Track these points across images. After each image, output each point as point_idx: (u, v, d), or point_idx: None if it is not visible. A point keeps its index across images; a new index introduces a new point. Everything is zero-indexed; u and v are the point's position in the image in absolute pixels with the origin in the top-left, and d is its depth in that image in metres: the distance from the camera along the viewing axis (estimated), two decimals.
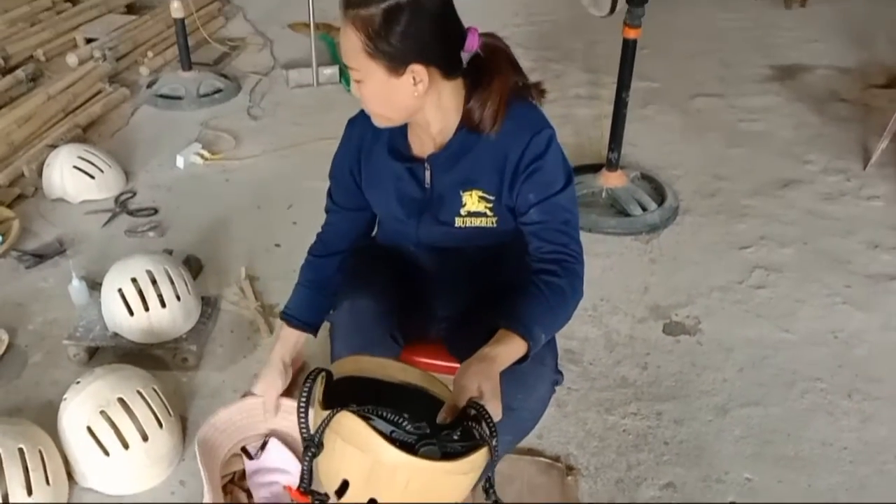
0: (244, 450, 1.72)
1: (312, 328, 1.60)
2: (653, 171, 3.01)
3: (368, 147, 1.45)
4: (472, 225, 1.41)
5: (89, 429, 1.65)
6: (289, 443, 1.70)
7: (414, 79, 1.25)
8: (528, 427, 1.44)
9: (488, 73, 1.33)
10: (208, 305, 2.22)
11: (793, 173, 3.08)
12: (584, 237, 2.68)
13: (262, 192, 2.91)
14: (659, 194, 2.84)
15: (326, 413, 1.04)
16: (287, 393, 1.67)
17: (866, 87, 3.85)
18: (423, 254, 1.52)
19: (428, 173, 1.40)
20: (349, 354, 1.38)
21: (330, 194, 1.56)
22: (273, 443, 1.69)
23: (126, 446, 1.67)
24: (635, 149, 3.19)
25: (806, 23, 4.80)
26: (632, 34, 2.50)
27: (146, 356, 2.05)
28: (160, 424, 1.73)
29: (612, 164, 2.77)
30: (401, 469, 0.99)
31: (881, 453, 1.86)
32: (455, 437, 1.10)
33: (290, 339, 1.61)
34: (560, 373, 1.43)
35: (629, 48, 2.53)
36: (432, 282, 1.55)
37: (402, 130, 1.41)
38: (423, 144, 1.40)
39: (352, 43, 1.24)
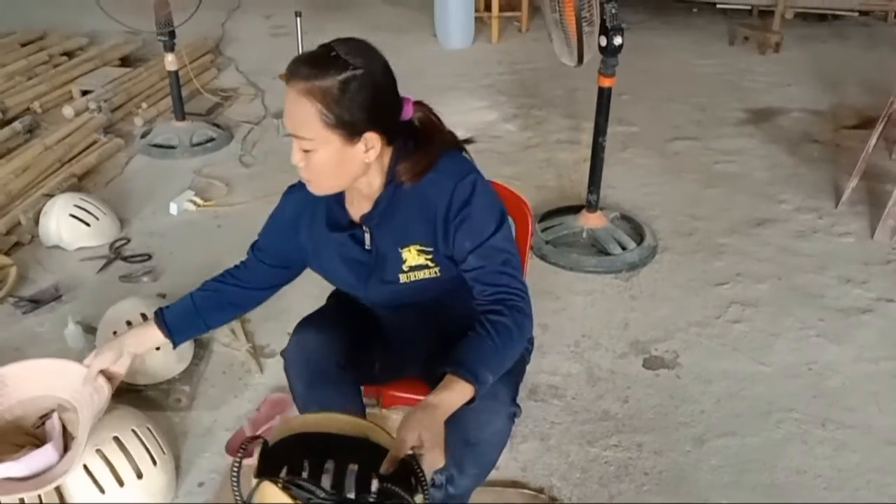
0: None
1: (173, 339, 1.60)
2: (632, 212, 3.11)
3: (308, 223, 1.50)
4: (417, 279, 1.44)
5: (85, 467, 1.70)
6: (68, 421, 1.72)
7: (366, 145, 1.31)
8: (490, 459, 1.48)
9: (423, 138, 1.40)
10: (201, 347, 2.28)
11: (767, 212, 3.19)
12: (567, 276, 2.78)
13: (252, 236, 2.94)
14: (638, 234, 2.93)
15: (256, 481, 1.12)
16: None
17: (838, 129, 4.00)
18: (379, 310, 1.59)
19: (368, 236, 1.45)
20: (301, 386, 1.49)
21: (255, 246, 1.64)
22: (51, 424, 1.72)
23: (121, 483, 1.72)
24: (615, 190, 3.31)
25: (779, 68, 4.98)
26: (606, 82, 2.62)
27: (141, 397, 2.11)
28: (154, 462, 1.78)
29: (591, 206, 2.87)
30: None
31: (853, 479, 1.92)
32: (371, 501, 1.14)
33: (146, 334, 1.61)
34: (518, 405, 1.46)
35: (604, 96, 2.65)
36: (397, 329, 1.62)
37: (337, 199, 1.46)
38: (360, 207, 1.45)
39: (306, 114, 1.26)
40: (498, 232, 1.38)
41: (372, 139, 1.32)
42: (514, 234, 1.50)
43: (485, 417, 1.39)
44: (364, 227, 1.45)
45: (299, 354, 1.52)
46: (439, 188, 1.37)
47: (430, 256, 1.42)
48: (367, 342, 1.61)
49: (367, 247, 1.46)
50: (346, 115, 1.27)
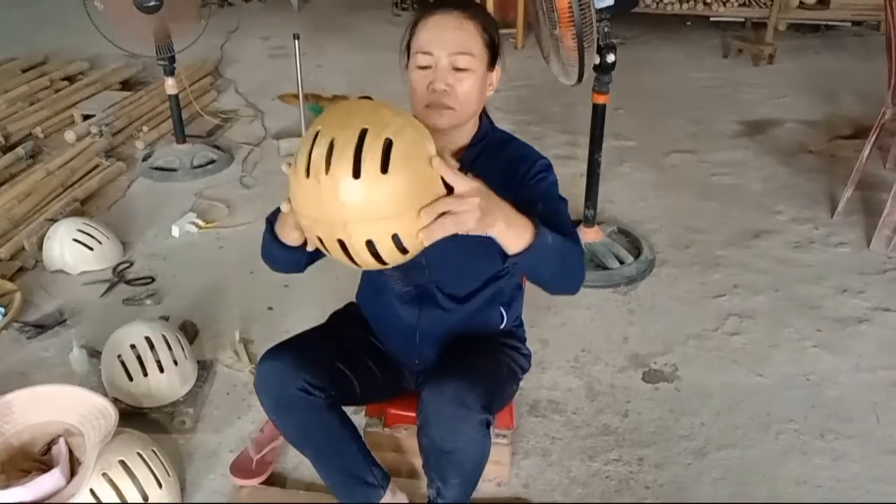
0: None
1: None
2: (629, 226, 3.14)
3: None
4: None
5: (92, 491, 1.72)
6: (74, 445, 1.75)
7: (494, 78, 1.51)
8: (468, 468, 1.50)
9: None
10: (204, 369, 2.31)
11: (763, 224, 3.21)
12: None
13: (254, 257, 2.97)
14: (635, 248, 2.96)
15: None
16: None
17: (832, 139, 4.03)
18: (404, 304, 1.63)
19: None
20: (270, 413, 1.54)
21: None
22: (58, 449, 1.74)
23: None
24: (612, 204, 3.34)
25: (774, 79, 5.03)
26: (601, 100, 2.66)
27: (145, 420, 2.13)
28: (160, 485, 1.80)
29: (588, 221, 2.90)
30: None
31: (853, 490, 1.93)
32: None
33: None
34: (491, 414, 1.47)
35: (599, 113, 2.68)
36: (410, 334, 1.65)
37: None
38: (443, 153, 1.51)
39: (470, 33, 1.44)
40: (563, 202, 1.51)
41: (496, 74, 1.52)
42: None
43: (454, 425, 1.42)
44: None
45: (261, 385, 1.55)
46: (523, 156, 1.53)
47: None
48: (352, 363, 1.63)
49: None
50: (496, 37, 1.49)
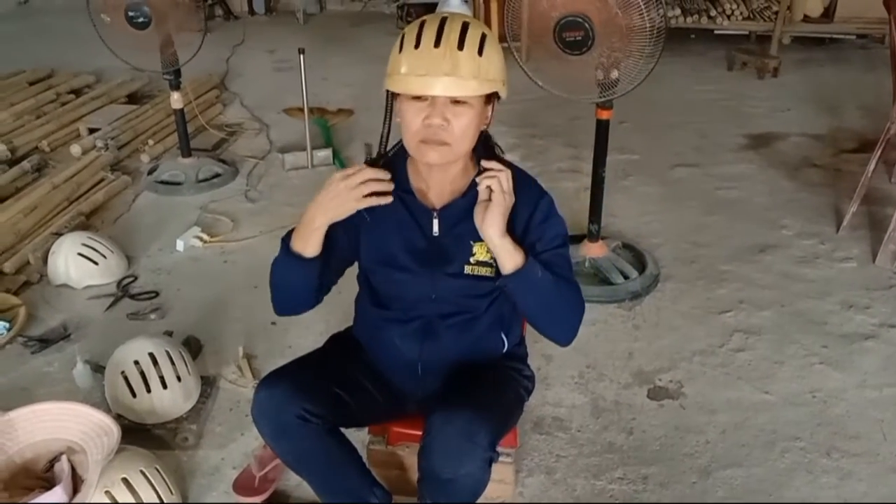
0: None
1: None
2: (634, 240, 3.13)
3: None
4: (478, 273, 1.53)
5: None
6: (77, 463, 1.74)
7: (489, 112, 1.46)
8: (465, 500, 1.49)
9: (488, 146, 1.56)
10: (208, 385, 2.30)
11: (769, 238, 3.20)
12: None
13: (258, 272, 2.99)
14: (640, 262, 2.95)
15: None
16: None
17: (837, 153, 4.03)
18: (405, 339, 1.62)
19: (437, 222, 1.52)
20: (269, 441, 1.55)
21: None
22: (60, 466, 1.73)
23: None
24: (616, 219, 3.33)
25: (778, 92, 5.03)
26: (604, 115, 2.66)
27: (148, 436, 2.12)
28: (162, 503, 1.79)
29: (593, 236, 2.90)
30: None
31: None
32: None
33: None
34: (497, 452, 1.48)
35: (603, 127, 2.69)
36: (413, 368, 1.65)
37: (405, 187, 1.52)
38: (439, 195, 1.52)
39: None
40: (564, 246, 1.54)
41: (492, 107, 1.47)
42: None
43: (458, 457, 1.41)
44: (435, 214, 1.51)
45: (258, 413, 1.54)
46: (526, 197, 1.50)
47: (493, 257, 1.49)
48: (351, 388, 1.63)
49: (434, 233, 1.52)
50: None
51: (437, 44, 1.34)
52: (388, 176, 1.43)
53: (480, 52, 1.35)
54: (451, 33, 1.34)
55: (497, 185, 1.39)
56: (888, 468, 2.04)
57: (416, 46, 1.35)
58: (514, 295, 1.50)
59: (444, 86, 1.34)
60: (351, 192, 1.39)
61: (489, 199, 1.41)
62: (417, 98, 1.37)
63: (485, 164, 1.42)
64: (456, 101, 1.37)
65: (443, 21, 1.37)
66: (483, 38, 1.37)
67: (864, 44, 6.03)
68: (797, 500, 1.95)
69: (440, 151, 1.41)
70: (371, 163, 1.48)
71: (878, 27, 5.42)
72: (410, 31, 1.38)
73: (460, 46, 1.34)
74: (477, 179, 1.43)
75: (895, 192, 3.50)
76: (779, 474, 2.03)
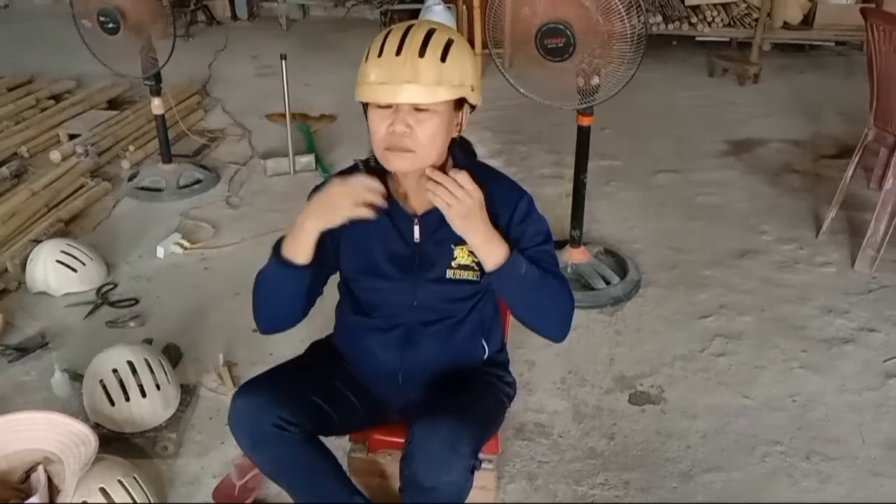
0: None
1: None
2: (615, 246, 3.14)
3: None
4: (460, 277, 1.53)
5: None
6: (54, 473, 1.72)
7: (460, 117, 1.44)
8: None
9: (465, 148, 1.55)
10: (187, 393, 2.28)
11: (749, 243, 3.23)
12: None
13: (240, 279, 2.98)
14: (621, 268, 2.96)
15: None
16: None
17: (817, 159, 4.07)
18: (386, 348, 1.61)
19: (418, 229, 1.51)
20: (247, 450, 1.52)
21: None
22: (37, 477, 1.71)
23: None
24: (599, 224, 3.35)
25: (759, 99, 5.08)
26: (585, 121, 2.67)
27: (127, 445, 2.10)
28: None
29: (575, 241, 2.91)
30: None
31: None
32: None
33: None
34: (479, 459, 1.48)
35: (584, 134, 2.70)
36: (393, 377, 1.64)
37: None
38: (418, 201, 1.51)
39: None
40: (547, 243, 1.53)
41: (464, 113, 1.45)
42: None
43: (441, 466, 1.41)
44: (416, 220, 1.51)
45: (235, 422, 1.53)
46: (505, 198, 1.50)
47: (476, 260, 1.49)
48: (330, 396, 1.62)
49: (415, 239, 1.52)
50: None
51: (398, 52, 1.34)
52: (382, 189, 1.42)
53: (444, 59, 1.34)
54: (414, 40, 1.35)
55: (445, 195, 1.35)
56: (867, 471, 2.06)
57: (380, 55, 1.36)
58: (501, 292, 1.50)
59: (406, 94, 1.33)
60: (347, 199, 1.39)
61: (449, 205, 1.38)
62: (384, 106, 1.37)
63: (426, 183, 1.38)
64: (419, 108, 1.36)
65: (408, 29, 1.37)
66: (449, 43, 1.36)
67: (842, 51, 6.11)
68: (778, 503, 1.96)
69: (405, 158, 1.40)
70: (366, 172, 1.48)
71: (857, 34, 5.48)
72: (377, 40, 1.38)
73: (421, 53, 1.34)
74: (428, 196, 1.39)
75: (874, 197, 3.52)
76: (759, 478, 2.04)
